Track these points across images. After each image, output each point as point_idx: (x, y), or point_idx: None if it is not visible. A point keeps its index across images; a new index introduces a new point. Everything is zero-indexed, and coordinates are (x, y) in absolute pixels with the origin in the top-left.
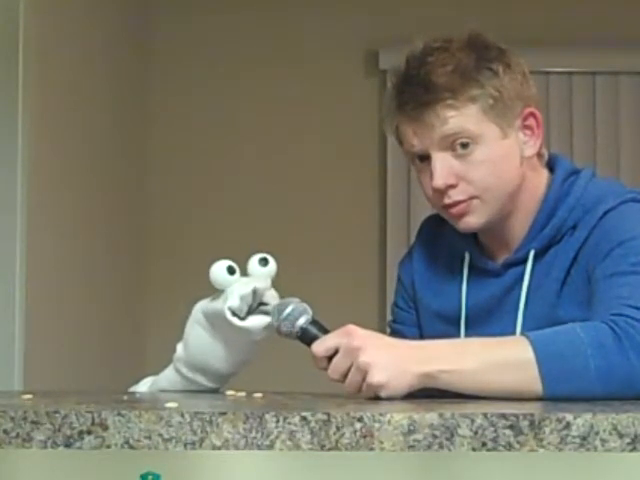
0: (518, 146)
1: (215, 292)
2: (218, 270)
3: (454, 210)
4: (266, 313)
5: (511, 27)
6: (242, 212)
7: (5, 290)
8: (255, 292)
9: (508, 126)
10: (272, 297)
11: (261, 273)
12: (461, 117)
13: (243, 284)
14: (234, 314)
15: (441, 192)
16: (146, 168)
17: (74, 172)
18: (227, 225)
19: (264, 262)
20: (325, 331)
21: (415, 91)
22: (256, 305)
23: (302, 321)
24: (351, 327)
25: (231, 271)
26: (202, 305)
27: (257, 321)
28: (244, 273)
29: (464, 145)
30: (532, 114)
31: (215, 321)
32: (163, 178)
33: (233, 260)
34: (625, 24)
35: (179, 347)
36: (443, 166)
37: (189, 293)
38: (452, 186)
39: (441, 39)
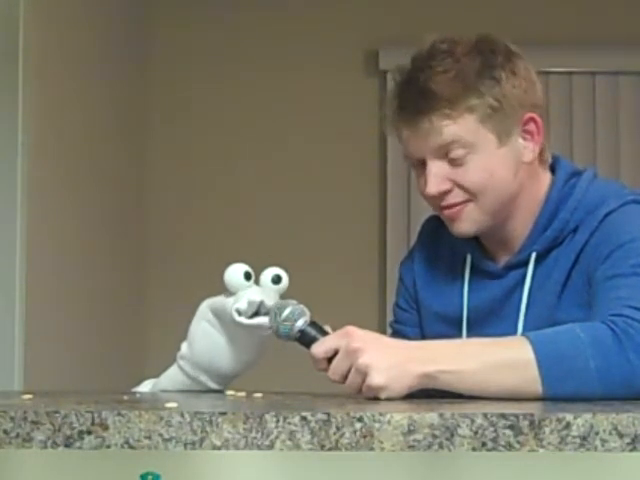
0: (515, 153)
1: (219, 293)
2: (235, 273)
3: (448, 212)
4: (267, 314)
5: (511, 27)
6: (242, 212)
7: (5, 290)
8: (262, 304)
9: (506, 134)
10: None
11: (272, 288)
12: (456, 126)
13: (254, 293)
14: (240, 315)
15: (436, 197)
16: (146, 169)
17: (74, 175)
18: (227, 226)
19: (277, 279)
20: (324, 333)
21: (413, 97)
22: (262, 314)
23: (300, 323)
24: (350, 328)
25: (247, 276)
26: (210, 302)
27: (262, 320)
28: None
29: (459, 154)
30: (532, 119)
31: (223, 317)
32: (163, 179)
33: (233, 260)
34: (625, 24)
35: (183, 345)
36: (437, 174)
37: (189, 294)
38: (447, 191)
39: (449, 39)
